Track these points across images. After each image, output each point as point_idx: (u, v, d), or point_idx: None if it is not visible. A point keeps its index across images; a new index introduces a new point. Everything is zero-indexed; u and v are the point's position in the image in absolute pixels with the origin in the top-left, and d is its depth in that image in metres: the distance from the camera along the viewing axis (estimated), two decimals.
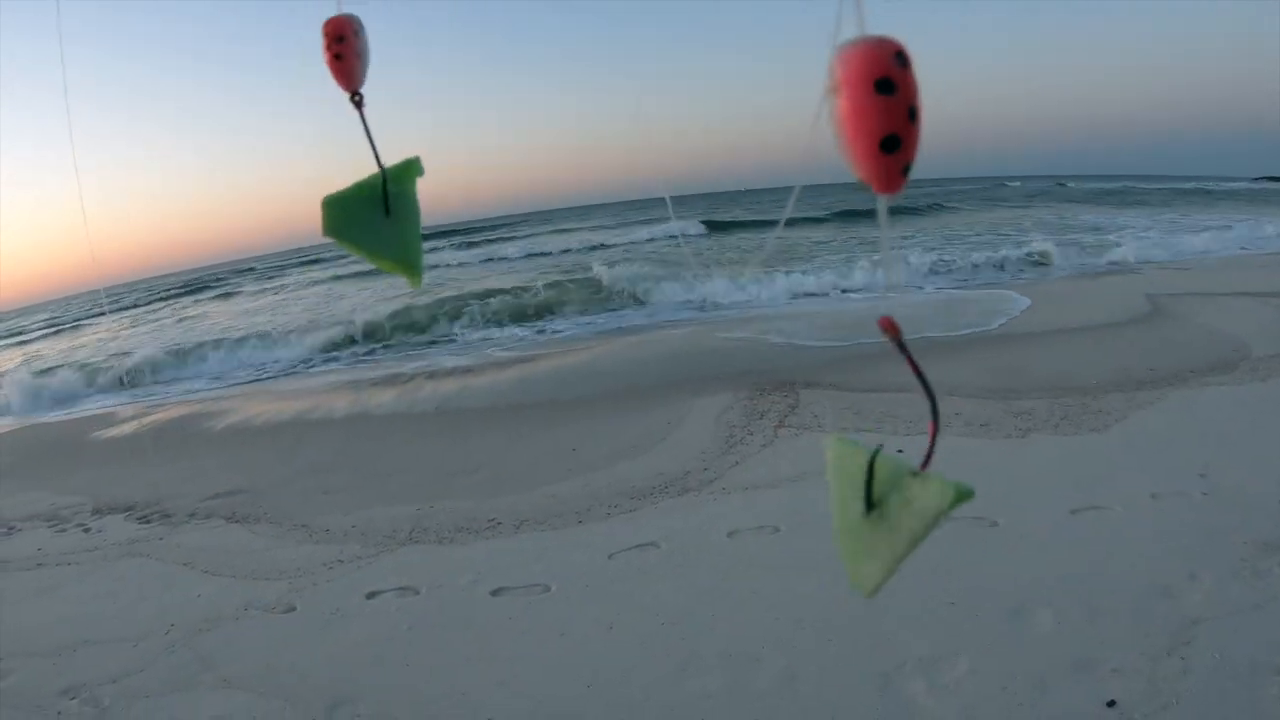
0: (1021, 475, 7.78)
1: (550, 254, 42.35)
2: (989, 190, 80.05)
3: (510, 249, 46.92)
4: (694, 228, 46.50)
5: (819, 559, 6.36)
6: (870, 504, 0.96)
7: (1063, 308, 16.71)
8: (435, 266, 39.60)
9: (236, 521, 8.14)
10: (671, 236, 41.09)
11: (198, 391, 16.19)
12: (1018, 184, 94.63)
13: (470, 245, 54.66)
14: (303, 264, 60.74)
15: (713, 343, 15.52)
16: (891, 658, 5.11)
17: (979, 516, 6.90)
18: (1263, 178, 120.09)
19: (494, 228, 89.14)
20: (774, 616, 5.66)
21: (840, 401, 10.53)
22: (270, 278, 53.16)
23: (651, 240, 43.73)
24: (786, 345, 14.54)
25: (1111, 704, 4.57)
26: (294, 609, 6.25)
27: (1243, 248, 26.45)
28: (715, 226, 47.64)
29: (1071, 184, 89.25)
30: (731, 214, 58.01)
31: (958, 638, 5.28)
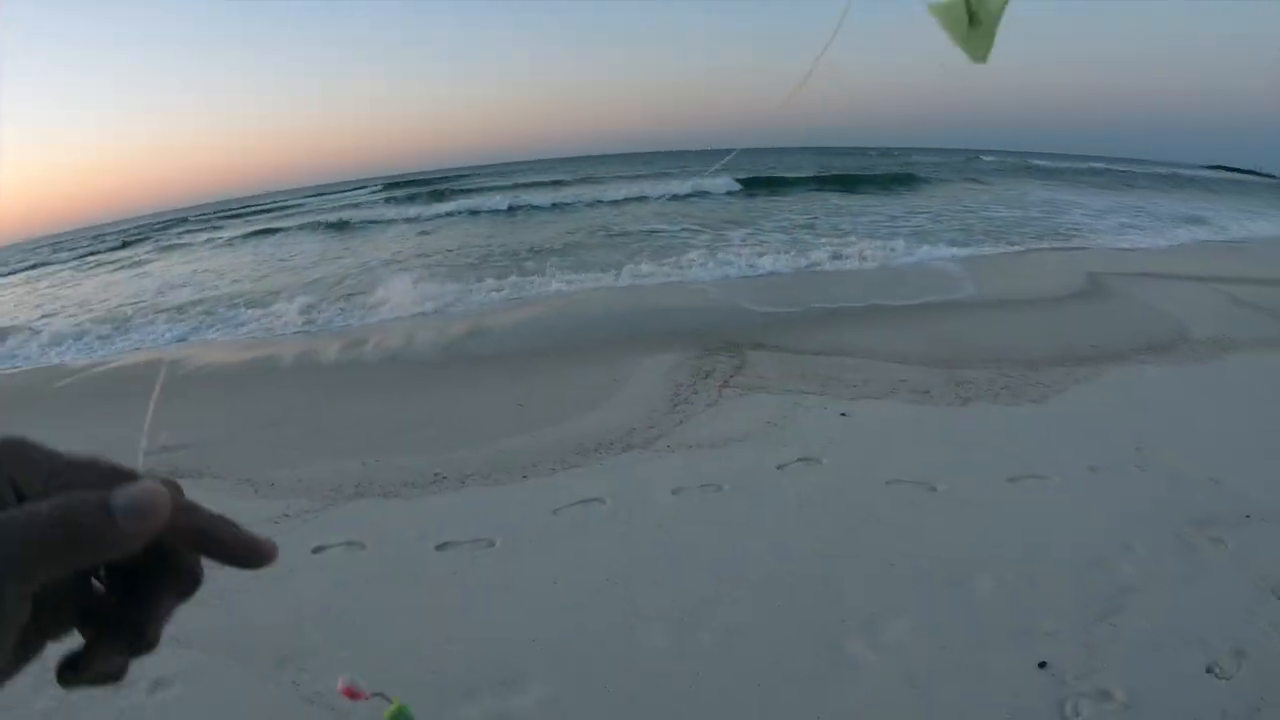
0: (961, 442, 7.92)
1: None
2: (964, 163, 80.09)
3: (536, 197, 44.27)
4: (731, 184, 43.37)
5: (762, 518, 6.49)
6: None
7: (1008, 282, 16.93)
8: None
9: (182, 477, 7.57)
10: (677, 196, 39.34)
11: (142, 346, 15.80)
12: (991, 159, 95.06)
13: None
14: (231, 217, 59.50)
15: (661, 302, 15.58)
16: (832, 615, 5.21)
17: (918, 481, 7.04)
18: (1213, 166, 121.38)
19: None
20: (717, 573, 5.74)
21: (786, 363, 10.63)
22: (214, 227, 51.74)
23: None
24: (734, 307, 14.63)
25: (1044, 665, 4.71)
26: None
27: (1188, 234, 26.78)
28: (763, 184, 44.44)
29: (1036, 161, 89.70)
30: (771, 170, 54.13)
31: (897, 598, 5.40)
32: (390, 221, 38.13)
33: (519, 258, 22.63)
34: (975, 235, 25.34)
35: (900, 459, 7.56)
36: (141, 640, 0.74)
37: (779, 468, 7.44)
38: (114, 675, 0.72)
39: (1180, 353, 11.09)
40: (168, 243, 42.50)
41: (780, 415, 8.69)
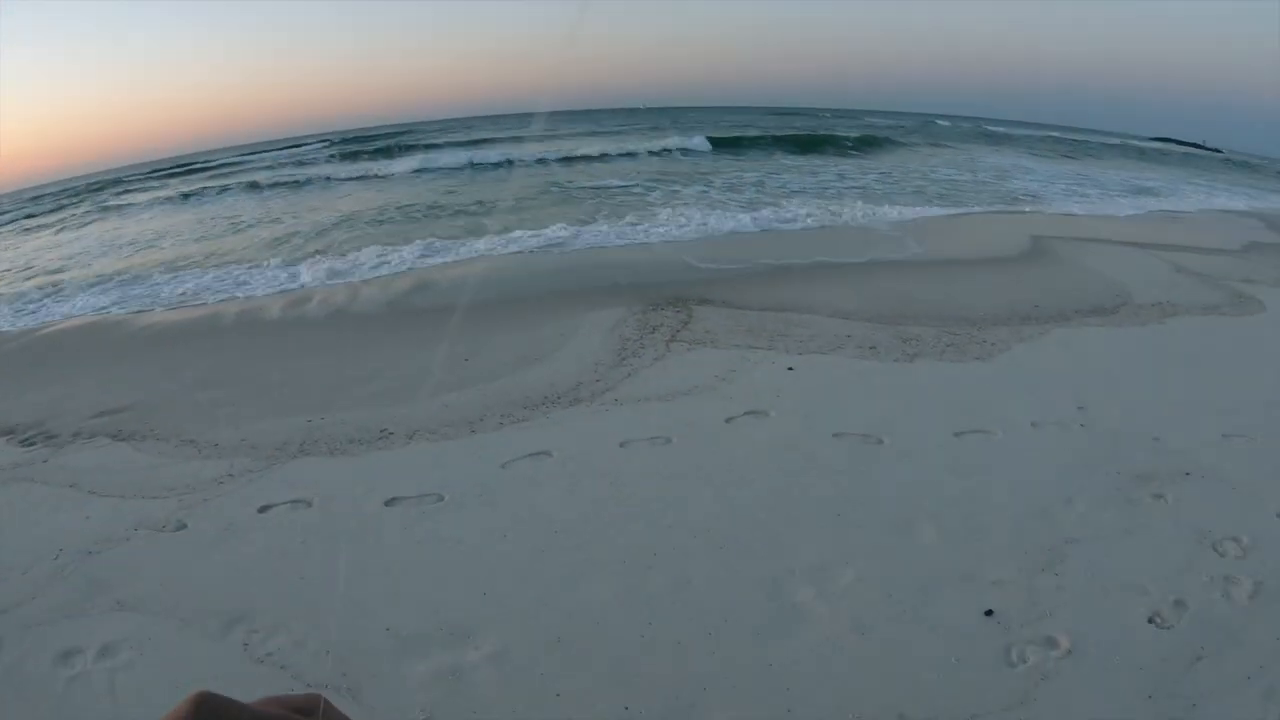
0: (908, 397, 8.00)
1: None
2: (922, 126, 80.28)
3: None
4: (699, 143, 43.25)
5: (710, 469, 6.54)
6: None
7: (955, 243, 17.03)
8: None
9: (123, 440, 7.95)
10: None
11: (80, 309, 15.48)
12: (947, 123, 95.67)
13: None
14: (172, 175, 57.68)
15: (608, 257, 15.53)
16: (781, 565, 5.28)
17: (865, 434, 7.13)
18: (1160, 138, 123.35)
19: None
20: (665, 524, 5.80)
21: (733, 319, 10.67)
22: (153, 187, 50.02)
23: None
24: (681, 264, 14.60)
25: (989, 613, 4.79)
26: (185, 526, 6.17)
27: (1133, 203, 27.12)
28: (721, 144, 43.92)
29: (990, 128, 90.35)
30: (743, 130, 54.00)
31: (844, 547, 5.48)
32: (340, 180, 36.92)
33: (470, 214, 22.38)
34: (924, 197, 25.39)
35: (847, 412, 7.63)
36: None
37: (727, 420, 7.50)
38: None
39: (1123, 315, 11.24)
40: (106, 204, 41.30)
41: (727, 369, 8.74)
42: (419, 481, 6.57)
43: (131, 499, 6.69)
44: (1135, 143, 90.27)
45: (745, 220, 19.04)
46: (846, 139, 48.35)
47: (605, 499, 6.18)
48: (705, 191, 25.48)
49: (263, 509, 6.35)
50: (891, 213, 21.06)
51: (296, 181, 36.96)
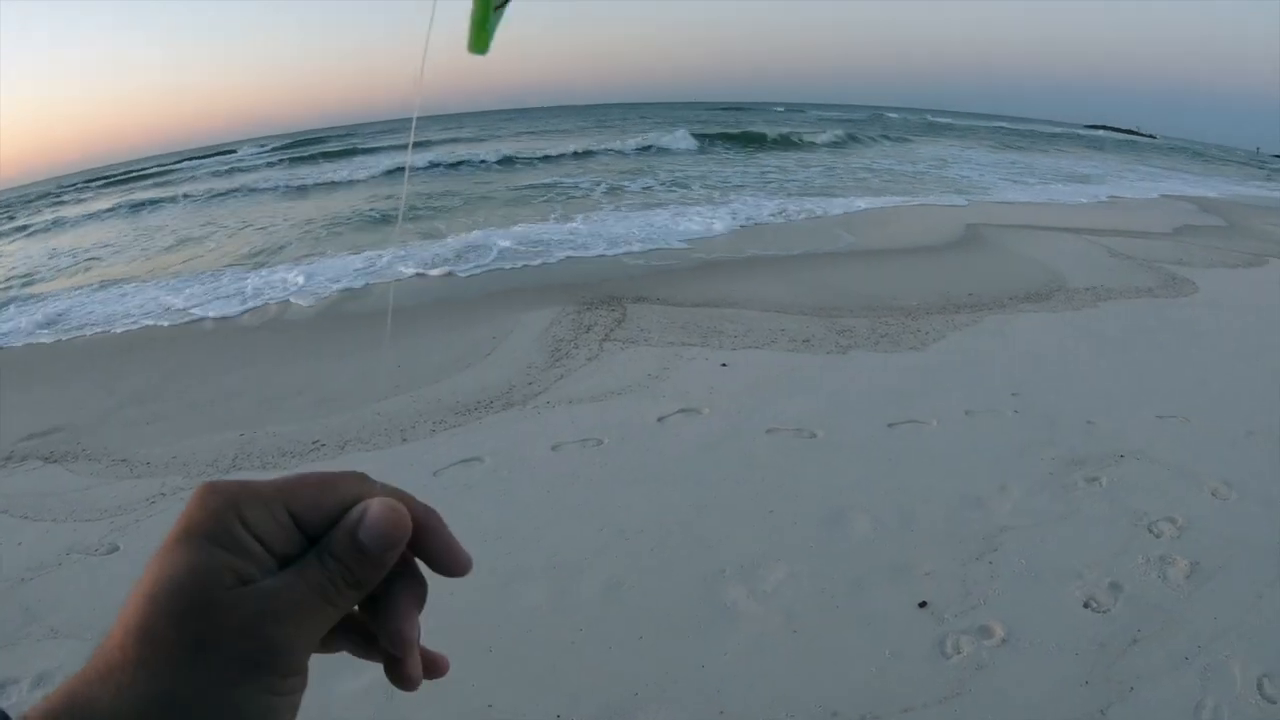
0: (841, 389, 8.01)
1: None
2: (868, 120, 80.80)
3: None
4: (684, 140, 42.70)
5: (642, 470, 6.51)
6: None
7: (889, 233, 17.17)
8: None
9: (55, 461, 7.79)
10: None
11: (8, 329, 15.08)
12: (896, 115, 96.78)
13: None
14: (113, 184, 56.25)
15: (544, 257, 15.26)
16: (713, 564, 5.25)
17: (799, 428, 7.12)
18: (1096, 126, 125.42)
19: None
20: (597, 527, 5.75)
21: (668, 316, 10.64)
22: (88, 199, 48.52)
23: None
24: (614, 261, 14.61)
25: (923, 605, 4.78)
26: (117, 549, 6.07)
27: (1068, 189, 27.64)
28: (706, 139, 43.94)
29: (936, 119, 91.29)
30: (722, 126, 53.95)
31: (777, 544, 5.46)
32: (270, 188, 35.55)
33: (408, 217, 22.03)
34: (861, 189, 25.58)
35: (781, 407, 7.62)
36: (401, 647, 0.79)
37: (659, 420, 7.46)
38: (408, 679, 0.80)
39: (1057, 301, 11.35)
40: (37, 217, 40.14)
41: (661, 367, 8.72)
42: None
43: (64, 522, 6.57)
44: (1071, 130, 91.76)
45: (682, 218, 18.99)
46: (791, 135, 48.23)
47: (537, 503, 6.14)
48: (650, 187, 25.53)
49: None
50: (829, 204, 21.12)
51: (233, 190, 36.09)
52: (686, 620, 4.74)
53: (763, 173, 29.99)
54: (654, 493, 6.19)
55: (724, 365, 8.74)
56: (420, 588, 0.82)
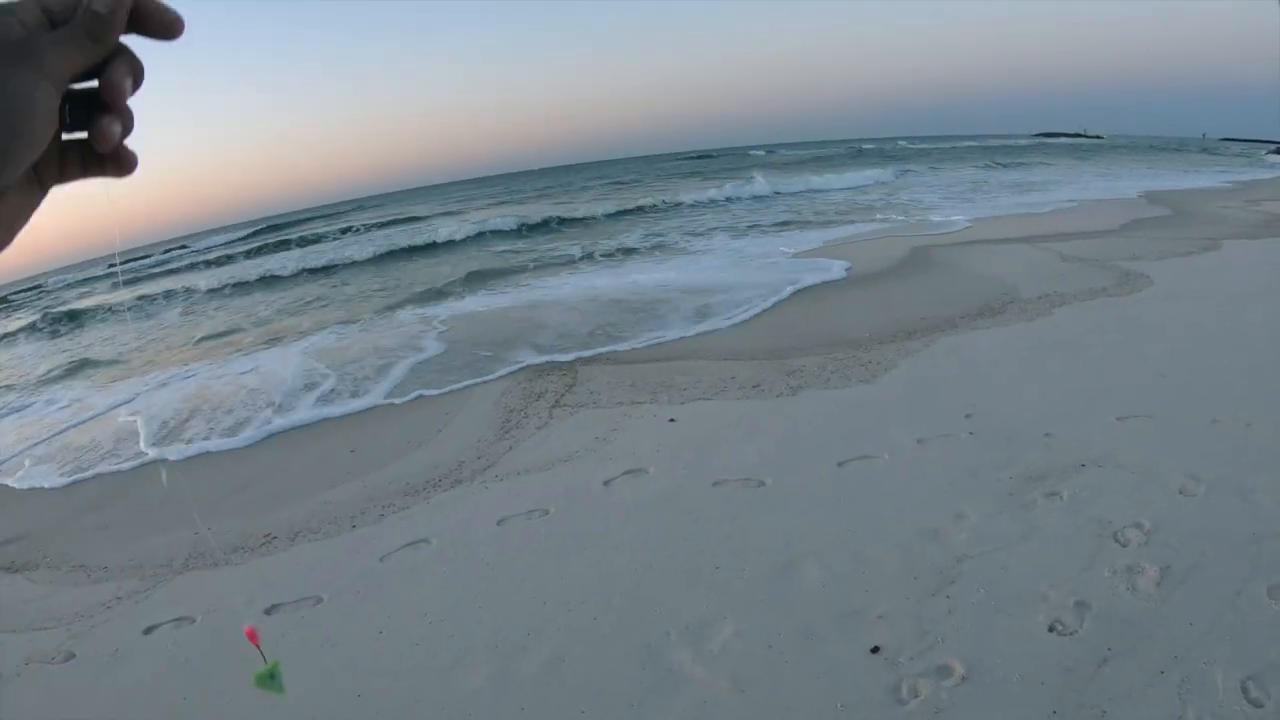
0: (791, 433, 7.95)
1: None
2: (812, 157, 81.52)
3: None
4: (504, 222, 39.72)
5: (586, 537, 6.44)
6: None
7: (838, 265, 17.13)
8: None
9: (15, 571, 7.76)
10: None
11: None
12: (872, 146, 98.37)
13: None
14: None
15: (495, 331, 15.18)
16: (657, 628, 5.15)
17: (746, 478, 7.06)
18: (1041, 134, 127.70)
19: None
20: (541, 601, 5.66)
21: (618, 375, 10.61)
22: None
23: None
24: (559, 326, 14.47)
25: (875, 650, 4.64)
26: (73, 656, 6.00)
27: (1015, 200, 28.14)
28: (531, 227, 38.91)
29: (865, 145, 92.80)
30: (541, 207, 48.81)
31: (723, 601, 5.35)
32: (200, 293, 33.24)
33: (354, 301, 22.20)
34: (804, 223, 26.19)
35: (729, 457, 7.56)
36: (114, 94, 0.89)
37: (605, 483, 7.38)
38: (123, 162, 0.94)
39: (1010, 313, 11.37)
40: None
41: (609, 429, 8.66)
42: (300, 585, 6.43)
43: (23, 632, 6.51)
44: (1016, 142, 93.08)
45: (625, 276, 19.01)
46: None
47: (481, 581, 6.05)
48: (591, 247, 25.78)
49: (148, 630, 6.18)
50: (773, 242, 21.29)
51: (164, 293, 34.63)
52: (630, 691, 4.62)
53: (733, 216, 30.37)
54: (598, 559, 6.11)
55: (672, 420, 8.70)
56: (135, 62, 0.91)
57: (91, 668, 5.81)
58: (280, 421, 10.97)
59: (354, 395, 11.69)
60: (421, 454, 8.78)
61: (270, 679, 1.50)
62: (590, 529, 6.58)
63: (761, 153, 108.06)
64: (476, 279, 22.81)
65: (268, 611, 6.11)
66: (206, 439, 10.86)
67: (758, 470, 7.15)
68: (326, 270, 33.34)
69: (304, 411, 11.33)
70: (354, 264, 33.88)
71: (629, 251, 24.81)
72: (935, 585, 5.19)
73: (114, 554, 7.68)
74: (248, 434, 10.61)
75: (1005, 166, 50.13)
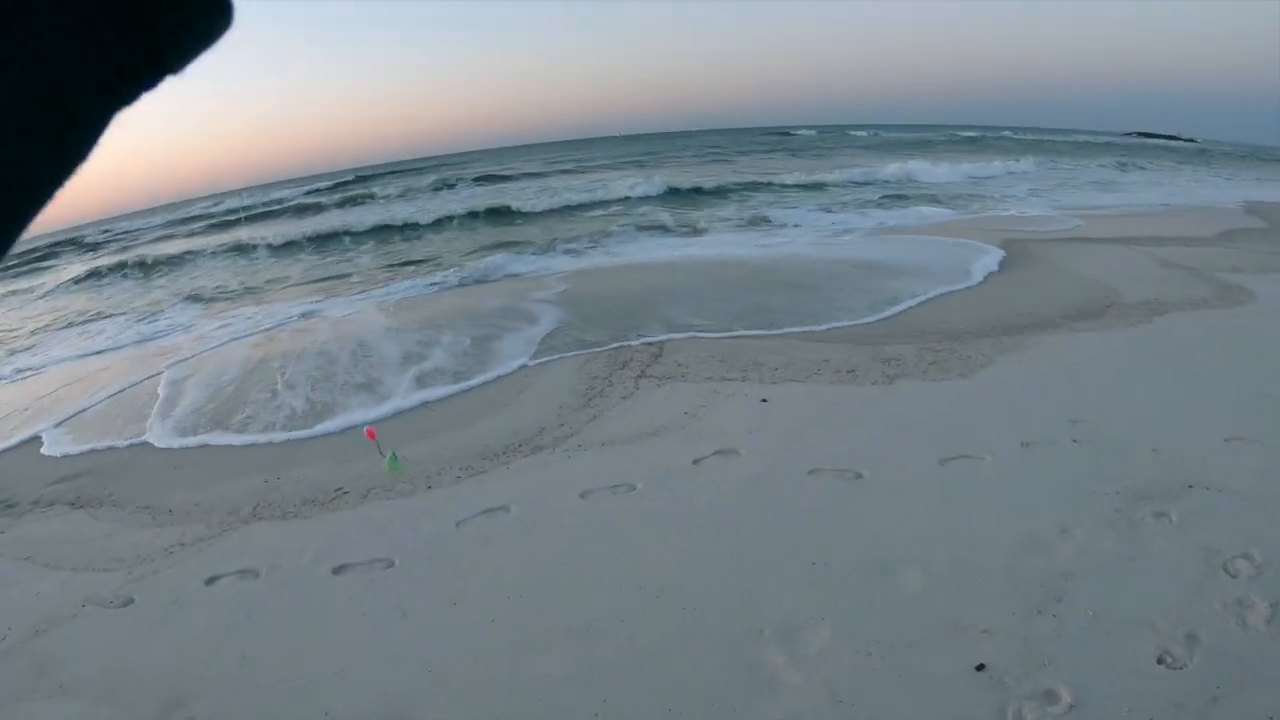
0: (888, 424, 7.65)
1: None
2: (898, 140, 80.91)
3: None
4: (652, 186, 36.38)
5: (675, 519, 6.18)
6: None
7: (930, 253, 16.71)
8: None
9: (80, 507, 7.61)
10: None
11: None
12: (974, 134, 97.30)
13: None
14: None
15: (579, 292, 14.98)
16: (750, 624, 4.90)
17: (843, 469, 6.75)
18: (1134, 133, 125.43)
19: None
20: (626, 584, 5.43)
21: (706, 349, 10.33)
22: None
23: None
24: (650, 290, 14.29)
25: (980, 668, 4.39)
26: (132, 601, 5.86)
27: (1113, 198, 27.30)
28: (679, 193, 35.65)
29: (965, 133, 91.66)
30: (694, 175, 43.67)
31: (820, 601, 5.08)
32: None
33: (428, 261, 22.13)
34: (895, 208, 25.61)
35: (824, 445, 7.26)
36: None
37: (695, 462, 7.12)
38: None
39: (1110, 318, 10.94)
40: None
41: (698, 405, 8.38)
42: (370, 545, 6.24)
43: (83, 572, 6.38)
44: (1109, 139, 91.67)
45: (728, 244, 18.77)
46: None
47: (563, 557, 5.81)
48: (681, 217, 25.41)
49: (210, 580, 6.02)
50: (865, 221, 21.03)
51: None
52: (721, 690, 4.38)
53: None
54: (688, 543, 5.86)
55: (764, 401, 8.39)
56: None
57: (149, 615, 5.67)
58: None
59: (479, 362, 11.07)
60: (501, 417, 8.59)
61: (395, 462, 1.29)
62: (679, 510, 6.36)
63: (863, 133, 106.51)
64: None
65: (336, 571, 5.95)
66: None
67: (854, 461, 6.89)
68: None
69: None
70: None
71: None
72: (1041, 601, 4.93)
73: (182, 496, 7.55)
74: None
75: (1094, 163, 49.08)
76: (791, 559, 5.56)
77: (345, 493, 7.20)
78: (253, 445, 8.67)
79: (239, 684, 4.86)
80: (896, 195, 29.77)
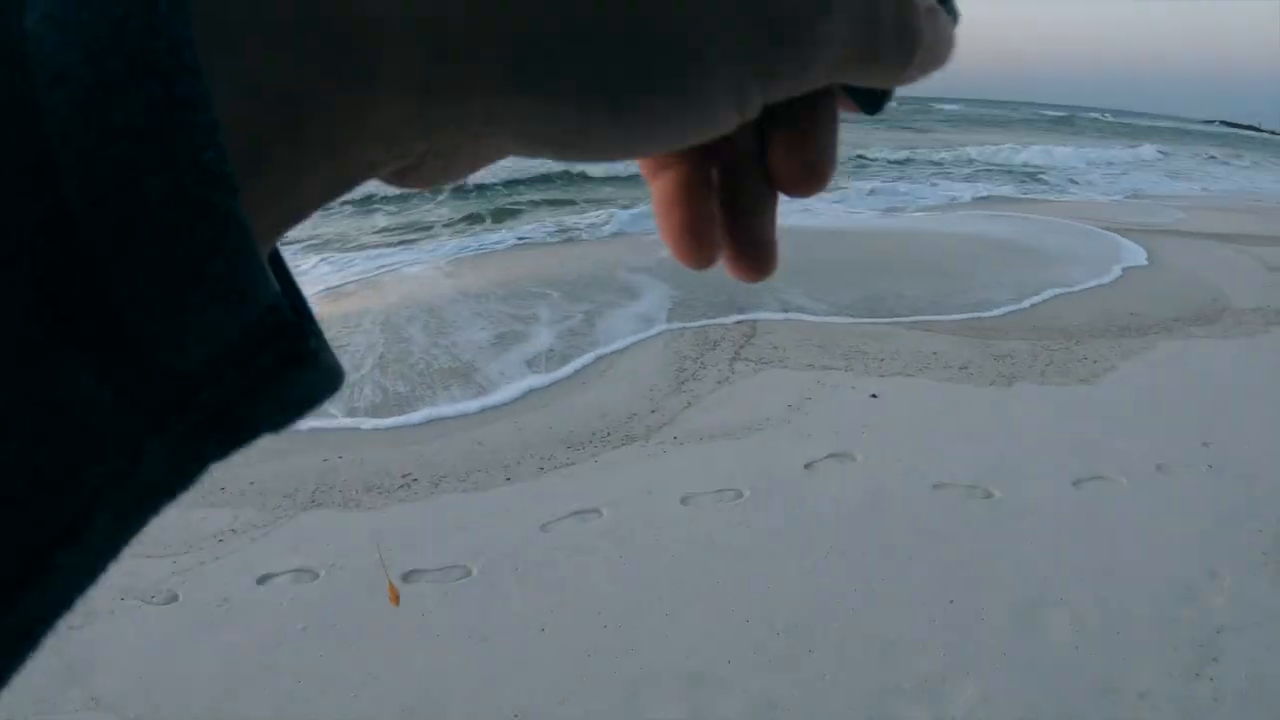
0: (1012, 433, 7.09)
1: None
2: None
3: None
4: None
5: (791, 536, 5.60)
6: None
7: (1027, 235, 16.09)
8: None
9: None
10: None
11: None
12: (1060, 113, 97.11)
13: None
14: None
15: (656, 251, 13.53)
16: (886, 676, 4.40)
17: (973, 485, 6.18)
18: (1213, 121, 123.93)
19: None
20: (740, 617, 4.84)
21: (803, 331, 9.65)
22: None
23: None
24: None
25: None
26: (176, 598, 5.30)
27: (1201, 188, 26.92)
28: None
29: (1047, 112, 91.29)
30: None
31: (962, 649, 4.58)
32: None
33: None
34: (989, 183, 25.12)
35: (947, 454, 6.67)
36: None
37: (807, 466, 6.49)
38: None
39: (1226, 324, 10.23)
40: None
41: (801, 397, 7.73)
42: (444, 547, 5.65)
43: (125, 557, 5.74)
44: (1191, 126, 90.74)
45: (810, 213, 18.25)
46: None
47: (665, 578, 5.21)
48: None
49: (263, 579, 5.46)
50: (955, 190, 21.36)
51: None
52: None
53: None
54: (809, 569, 5.24)
55: (874, 396, 7.80)
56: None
57: (195, 617, 5.13)
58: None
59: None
60: (585, 396, 8.01)
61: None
62: (794, 525, 5.74)
63: (955, 106, 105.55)
64: None
65: (405, 577, 5.35)
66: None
67: (982, 475, 6.31)
68: None
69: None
70: None
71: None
72: (1196, 661, 4.43)
73: (235, 471, 6.76)
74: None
75: (1218, 159, 48.10)
76: (926, 594, 4.99)
77: (414, 479, 6.61)
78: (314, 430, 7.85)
79: (292, 709, 4.37)
80: (1006, 171, 29.52)
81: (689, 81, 0.41)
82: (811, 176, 0.54)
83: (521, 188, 22.65)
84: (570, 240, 16.13)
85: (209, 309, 0.30)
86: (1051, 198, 22.83)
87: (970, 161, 31.86)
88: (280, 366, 0.34)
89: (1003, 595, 4.97)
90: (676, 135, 0.44)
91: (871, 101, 0.54)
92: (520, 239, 16.51)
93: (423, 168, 0.42)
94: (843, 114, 0.54)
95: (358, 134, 0.36)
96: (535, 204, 20.71)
